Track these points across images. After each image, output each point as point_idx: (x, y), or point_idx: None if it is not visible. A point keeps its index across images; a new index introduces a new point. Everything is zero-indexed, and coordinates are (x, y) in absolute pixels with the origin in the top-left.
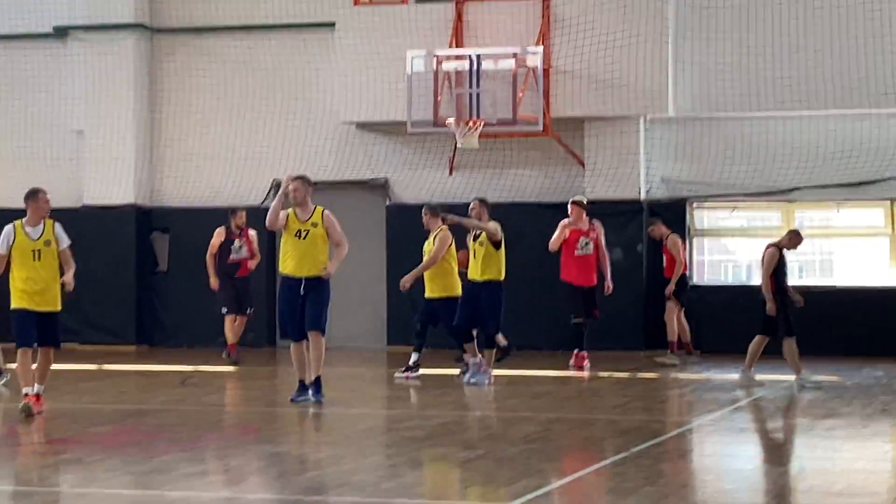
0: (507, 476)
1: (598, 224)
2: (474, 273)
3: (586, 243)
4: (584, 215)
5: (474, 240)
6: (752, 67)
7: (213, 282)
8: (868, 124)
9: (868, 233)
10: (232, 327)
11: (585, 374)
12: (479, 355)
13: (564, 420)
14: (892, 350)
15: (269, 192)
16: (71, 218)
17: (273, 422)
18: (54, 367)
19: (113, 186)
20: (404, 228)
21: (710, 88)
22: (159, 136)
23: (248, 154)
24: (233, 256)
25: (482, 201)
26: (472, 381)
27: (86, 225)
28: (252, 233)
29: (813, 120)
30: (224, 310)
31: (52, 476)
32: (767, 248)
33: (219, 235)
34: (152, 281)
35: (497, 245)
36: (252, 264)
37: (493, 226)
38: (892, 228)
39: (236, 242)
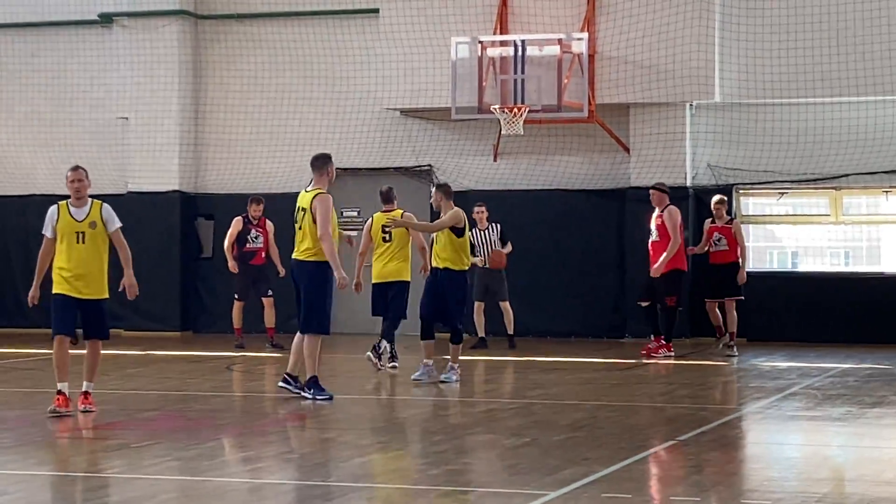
0: (553, 464)
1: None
2: (435, 261)
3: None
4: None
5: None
6: (799, 53)
7: (232, 265)
8: None
9: None
10: (239, 314)
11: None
12: (432, 359)
13: (610, 407)
14: None
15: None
16: (116, 204)
17: (319, 409)
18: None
19: (157, 173)
20: None
21: (757, 74)
22: (203, 123)
23: (291, 140)
24: (249, 245)
25: (441, 187)
26: (443, 378)
27: (130, 211)
28: (269, 224)
29: (860, 106)
30: (235, 296)
31: (100, 462)
32: None
33: (236, 225)
34: (197, 267)
35: (459, 233)
36: (273, 254)
37: (450, 217)
38: None
39: (252, 232)
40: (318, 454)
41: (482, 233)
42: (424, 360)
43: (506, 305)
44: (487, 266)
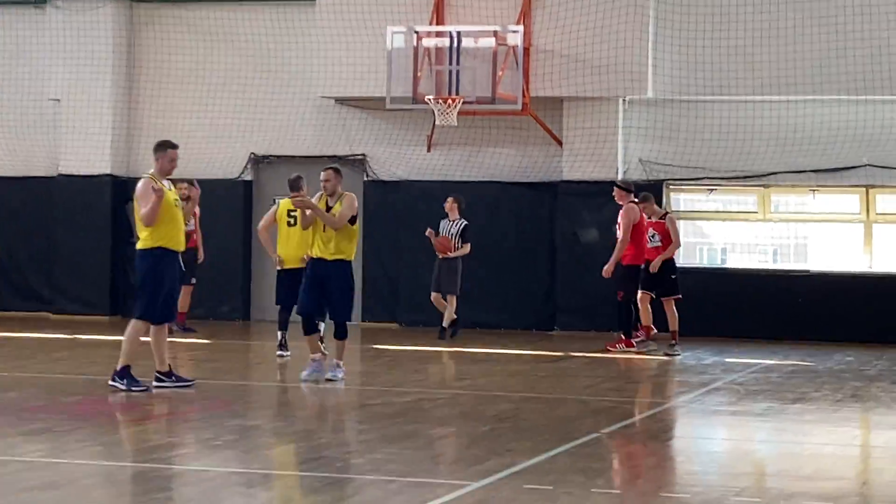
0: (476, 454)
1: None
2: (321, 251)
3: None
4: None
5: (327, 211)
6: (731, 51)
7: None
8: (845, 110)
9: (843, 219)
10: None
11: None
12: (320, 353)
13: (536, 399)
14: (864, 335)
15: (246, 165)
16: (46, 187)
17: (245, 396)
18: (26, 335)
19: (89, 156)
20: (382, 204)
21: (689, 71)
22: (137, 107)
23: (225, 126)
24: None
25: (336, 170)
26: (329, 376)
27: (61, 194)
28: (197, 209)
29: (790, 105)
30: None
31: (22, 445)
32: None
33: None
34: (127, 251)
35: (353, 221)
36: (198, 238)
37: (346, 203)
38: (867, 215)
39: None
40: (242, 441)
41: (447, 223)
42: (311, 356)
43: (450, 298)
44: (436, 252)
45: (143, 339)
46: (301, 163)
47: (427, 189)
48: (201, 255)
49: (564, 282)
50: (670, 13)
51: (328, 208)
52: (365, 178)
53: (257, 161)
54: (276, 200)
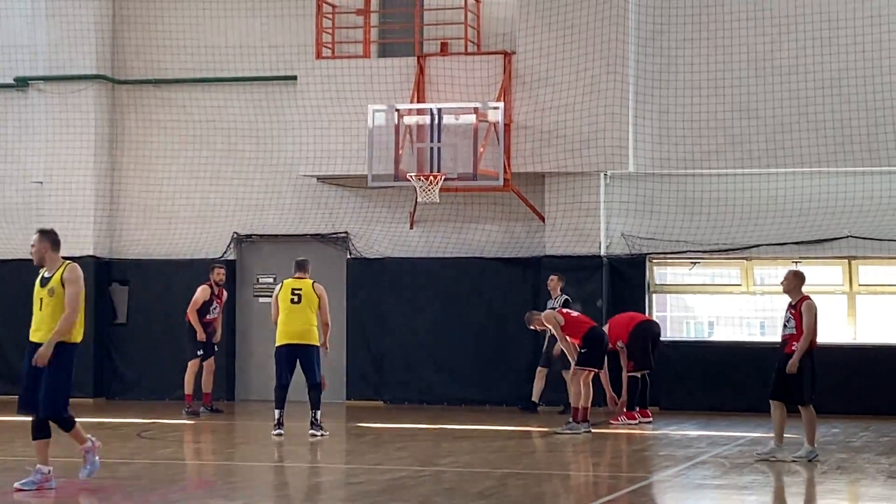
0: None
1: None
2: (37, 334)
3: None
4: None
5: (42, 285)
6: (711, 125)
7: (201, 334)
8: (825, 182)
9: (826, 290)
10: (202, 374)
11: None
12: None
13: (520, 475)
14: (849, 407)
15: (229, 245)
16: (29, 268)
17: (229, 476)
18: (5, 418)
19: (72, 237)
20: (364, 282)
21: (670, 145)
22: (119, 188)
23: (208, 206)
24: (208, 317)
25: (42, 233)
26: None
27: None
28: (225, 293)
29: (772, 178)
30: (200, 352)
31: None
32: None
33: (203, 293)
34: (111, 333)
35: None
36: (219, 319)
37: (70, 277)
38: (850, 286)
39: (213, 303)
40: None
41: (551, 302)
42: (39, 466)
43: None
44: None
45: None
46: (284, 241)
47: (410, 266)
48: (219, 335)
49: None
50: (650, 88)
51: (45, 280)
52: (348, 256)
53: (240, 240)
54: (279, 280)
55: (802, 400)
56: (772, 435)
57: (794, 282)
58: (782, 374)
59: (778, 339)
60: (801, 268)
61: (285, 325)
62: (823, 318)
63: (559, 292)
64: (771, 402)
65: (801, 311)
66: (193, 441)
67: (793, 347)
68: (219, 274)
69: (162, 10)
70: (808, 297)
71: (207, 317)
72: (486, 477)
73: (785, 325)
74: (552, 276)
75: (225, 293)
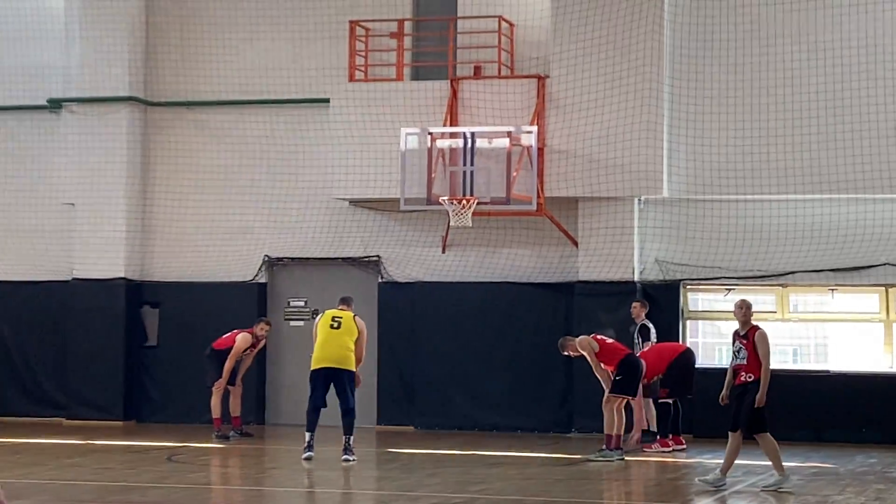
0: None
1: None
2: None
3: None
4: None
5: None
6: (746, 150)
7: (222, 384)
8: (862, 209)
9: (863, 318)
10: (229, 398)
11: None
12: None
13: (553, 503)
14: (886, 437)
15: (260, 268)
16: (60, 291)
17: (259, 501)
18: (39, 441)
19: (103, 260)
20: (396, 306)
21: (705, 170)
22: (151, 210)
23: (239, 229)
24: (239, 367)
25: None
26: None
27: (75, 298)
28: (263, 344)
29: (808, 204)
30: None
31: None
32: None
33: (244, 341)
34: (141, 355)
35: None
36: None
37: None
38: (887, 314)
39: (248, 350)
40: None
41: (633, 327)
42: None
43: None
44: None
45: None
46: (315, 265)
47: (442, 290)
48: (250, 360)
49: (581, 383)
50: (684, 113)
51: None
52: (380, 280)
53: (271, 263)
54: (320, 310)
55: (763, 428)
56: (807, 464)
57: (748, 311)
58: (740, 406)
59: (811, 367)
60: (837, 295)
61: (322, 350)
62: (861, 346)
63: (643, 317)
64: (730, 433)
65: (753, 341)
66: (223, 465)
67: (741, 378)
68: (262, 329)
69: (195, 33)
70: (758, 327)
71: (239, 366)
72: None
73: (735, 355)
74: (634, 304)
75: (262, 344)
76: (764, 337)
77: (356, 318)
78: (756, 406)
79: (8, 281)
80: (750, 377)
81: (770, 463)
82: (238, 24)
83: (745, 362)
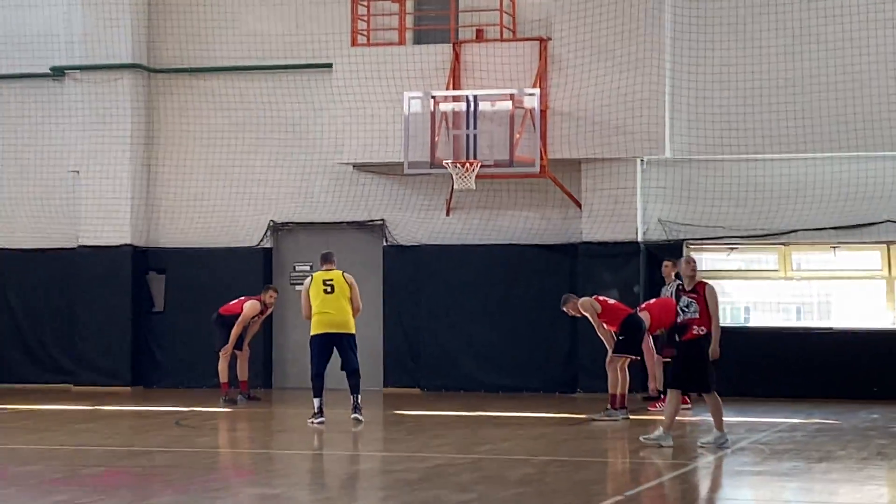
0: None
1: None
2: None
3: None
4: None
5: None
6: (748, 110)
7: (228, 350)
8: (864, 167)
9: (865, 275)
10: (236, 362)
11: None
12: None
13: (559, 462)
14: (888, 393)
15: (265, 233)
16: (67, 258)
17: (267, 464)
18: (48, 407)
19: (109, 227)
20: (401, 269)
21: (706, 130)
22: (155, 177)
23: (244, 194)
24: (246, 333)
25: None
26: None
27: (81, 265)
28: (270, 311)
29: (809, 162)
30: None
31: None
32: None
33: (252, 309)
34: (148, 322)
35: None
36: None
37: None
38: (889, 271)
39: (255, 317)
40: None
41: (665, 289)
42: None
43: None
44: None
45: None
46: (320, 229)
47: (447, 253)
48: (258, 327)
49: (586, 343)
50: (686, 73)
51: None
52: (384, 244)
53: (276, 228)
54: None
55: (707, 387)
56: (810, 420)
57: (695, 267)
58: (685, 362)
59: (814, 324)
60: (839, 253)
61: (321, 315)
62: (863, 304)
63: (673, 278)
64: (669, 390)
65: (704, 295)
66: (231, 429)
67: (693, 332)
68: (271, 296)
69: None
70: (706, 282)
71: (246, 332)
72: (525, 464)
73: (684, 310)
74: (666, 262)
75: (270, 311)
76: (713, 291)
77: (345, 274)
78: (711, 358)
79: (14, 249)
80: (702, 330)
81: (712, 419)
82: None
83: (696, 316)
